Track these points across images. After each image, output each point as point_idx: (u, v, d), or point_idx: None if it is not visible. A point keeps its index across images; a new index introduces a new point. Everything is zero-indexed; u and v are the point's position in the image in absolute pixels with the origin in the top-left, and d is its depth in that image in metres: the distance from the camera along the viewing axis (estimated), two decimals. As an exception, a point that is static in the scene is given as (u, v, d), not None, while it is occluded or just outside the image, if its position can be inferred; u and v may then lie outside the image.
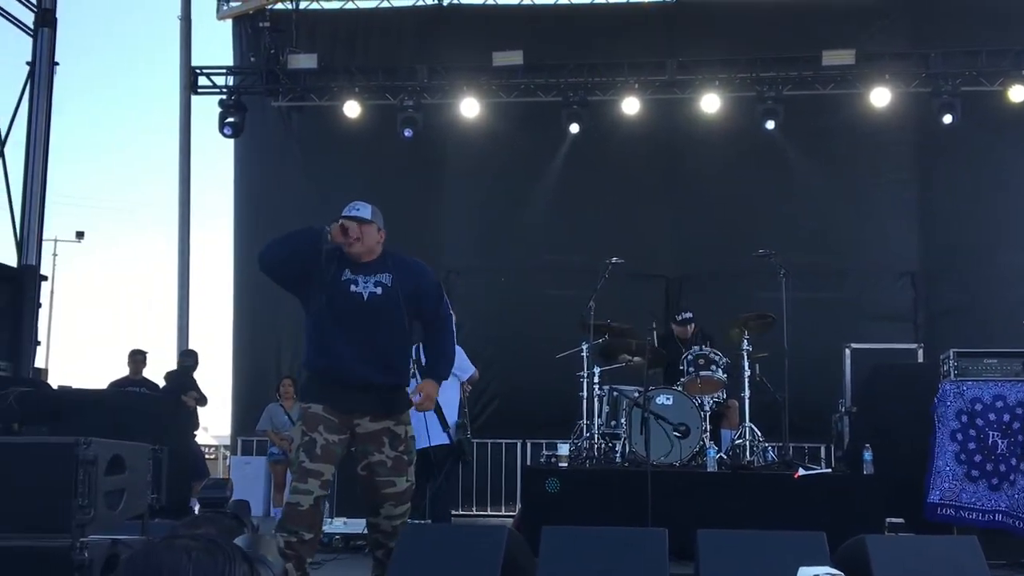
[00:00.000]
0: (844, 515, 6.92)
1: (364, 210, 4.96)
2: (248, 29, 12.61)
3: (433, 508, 7.83)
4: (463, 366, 7.96)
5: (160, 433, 7.35)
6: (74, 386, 10.47)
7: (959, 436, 7.27)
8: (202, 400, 10.89)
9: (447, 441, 7.72)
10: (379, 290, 4.94)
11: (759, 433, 8.21)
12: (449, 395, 7.69)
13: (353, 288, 4.91)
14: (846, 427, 9.08)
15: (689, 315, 9.56)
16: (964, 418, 7.26)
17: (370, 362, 4.92)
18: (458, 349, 7.84)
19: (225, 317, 12.96)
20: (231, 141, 12.36)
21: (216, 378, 11.20)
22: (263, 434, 10.89)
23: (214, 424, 11.95)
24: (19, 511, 3.58)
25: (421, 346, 5.43)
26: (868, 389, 8.76)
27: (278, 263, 4.99)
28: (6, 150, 10.23)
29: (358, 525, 8.01)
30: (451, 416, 7.76)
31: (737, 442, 8.19)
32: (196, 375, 11.08)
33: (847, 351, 9.43)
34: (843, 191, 11.95)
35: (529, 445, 11.47)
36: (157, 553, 1.55)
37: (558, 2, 12.69)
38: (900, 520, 8.14)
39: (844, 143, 11.94)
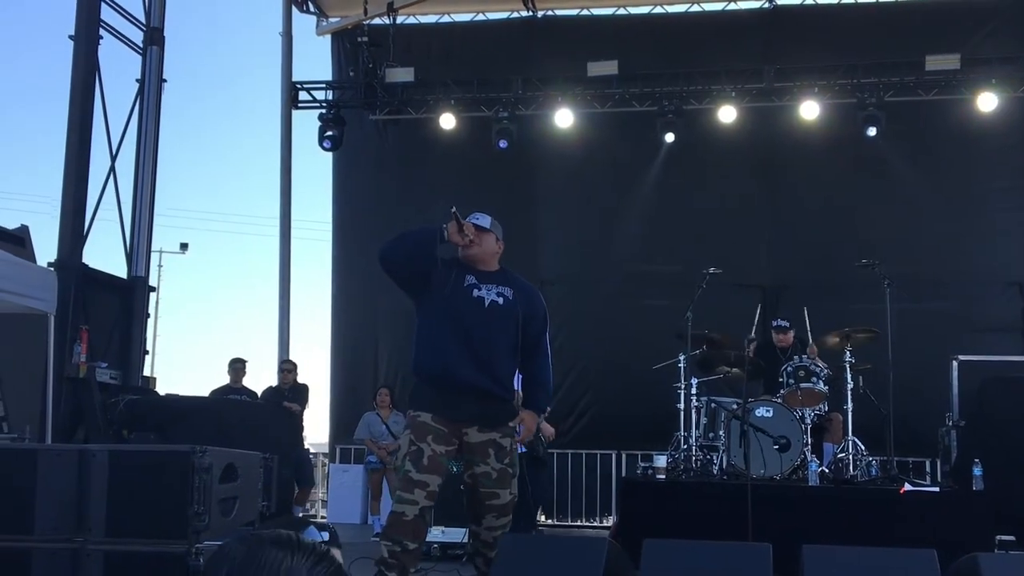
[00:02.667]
0: (952, 532, 6.72)
1: (483, 220, 5.06)
2: (347, 44, 12.85)
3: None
4: None
5: (264, 440, 7.52)
6: (180, 394, 10.78)
7: (1074, 452, 7.01)
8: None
9: (522, 449, 7.66)
10: (500, 300, 4.98)
11: (862, 447, 8.04)
12: None
13: (476, 292, 4.95)
14: (953, 441, 8.84)
15: (786, 323, 9.39)
16: (1079, 433, 7.00)
17: (481, 367, 4.91)
18: None
19: (324, 326, 13.20)
20: (329, 153, 12.59)
21: (315, 387, 11.38)
22: (360, 442, 11.02)
23: (312, 432, 12.21)
24: (137, 517, 3.70)
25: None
26: (976, 402, 8.51)
27: (399, 259, 4.99)
28: (116, 165, 10.59)
29: (456, 534, 8.08)
30: None
31: (840, 456, 8.03)
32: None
33: (954, 363, 9.17)
34: (948, 199, 11.63)
35: (624, 456, 11.43)
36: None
37: (653, 11, 12.63)
38: (1011, 538, 7.88)
39: (949, 150, 11.62)
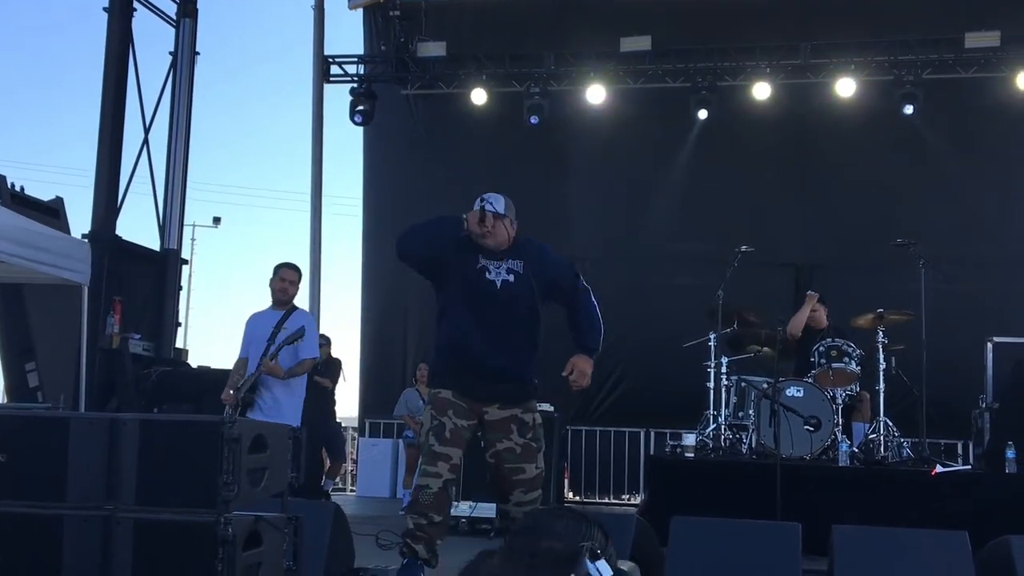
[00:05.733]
0: (984, 515, 6.66)
1: (498, 203, 4.95)
2: (379, 18, 12.78)
3: None
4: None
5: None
6: (212, 367, 10.84)
7: (1110, 435, 6.91)
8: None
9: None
10: (511, 277, 4.97)
11: (894, 428, 7.97)
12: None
13: (487, 276, 4.95)
14: (987, 424, 8.73)
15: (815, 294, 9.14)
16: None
17: (501, 350, 4.95)
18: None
19: (353, 300, 13.21)
20: (360, 128, 12.56)
21: (344, 361, 11.41)
22: (400, 419, 11.05)
23: (342, 406, 12.25)
24: (167, 485, 3.72)
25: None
26: (1011, 384, 8.40)
27: (415, 251, 5.08)
28: (149, 137, 10.63)
29: (485, 509, 8.12)
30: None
31: (871, 436, 7.97)
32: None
33: (989, 344, 9.04)
34: (985, 178, 11.46)
35: (653, 434, 11.41)
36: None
37: (687, -14, 12.47)
38: (1044, 521, 7.79)
39: (987, 128, 11.43)
